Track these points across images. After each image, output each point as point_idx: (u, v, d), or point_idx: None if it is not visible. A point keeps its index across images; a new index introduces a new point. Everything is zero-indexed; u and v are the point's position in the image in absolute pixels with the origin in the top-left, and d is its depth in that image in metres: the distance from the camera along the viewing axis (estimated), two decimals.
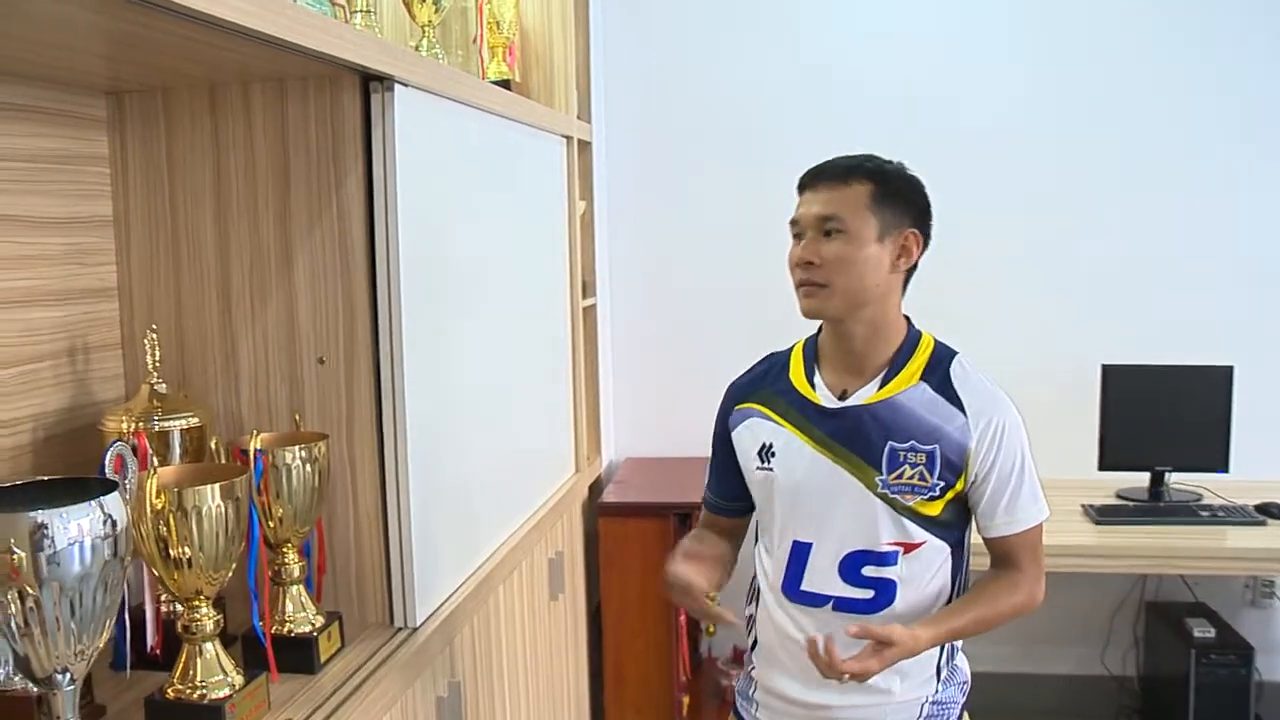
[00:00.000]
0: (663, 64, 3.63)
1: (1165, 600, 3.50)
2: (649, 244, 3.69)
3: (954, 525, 1.67)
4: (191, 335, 1.86)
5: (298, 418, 1.78)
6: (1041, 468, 3.39)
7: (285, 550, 1.70)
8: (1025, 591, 1.66)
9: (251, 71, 1.74)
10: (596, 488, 3.32)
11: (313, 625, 1.70)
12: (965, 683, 1.79)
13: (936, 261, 3.50)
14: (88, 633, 1.20)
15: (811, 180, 1.66)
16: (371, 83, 1.76)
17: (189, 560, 1.41)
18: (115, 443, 1.31)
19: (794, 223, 1.66)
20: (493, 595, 2.20)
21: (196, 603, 1.46)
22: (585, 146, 3.17)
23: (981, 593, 1.67)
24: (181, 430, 1.68)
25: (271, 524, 1.67)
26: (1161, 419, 3.29)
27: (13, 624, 1.15)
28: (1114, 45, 3.46)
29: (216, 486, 1.42)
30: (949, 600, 1.69)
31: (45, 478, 1.27)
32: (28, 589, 1.13)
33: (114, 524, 1.20)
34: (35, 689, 1.25)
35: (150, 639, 1.64)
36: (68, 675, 1.20)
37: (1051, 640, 3.59)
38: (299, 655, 1.66)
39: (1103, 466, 3.32)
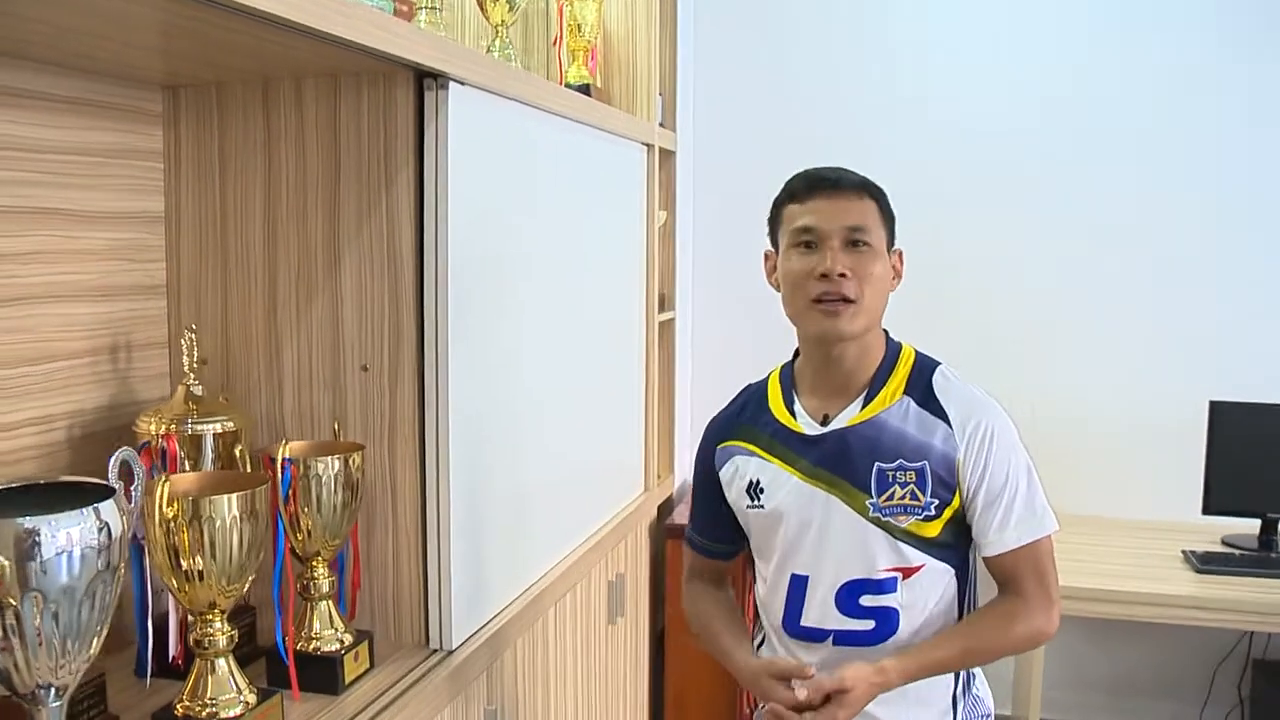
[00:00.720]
0: (754, 73, 3.51)
1: (1276, 659, 3.23)
2: (735, 257, 3.52)
3: (955, 546, 1.56)
4: (237, 337, 1.82)
5: (337, 426, 1.72)
6: (1140, 509, 3.24)
7: (315, 564, 1.63)
8: (1025, 623, 1.51)
9: (304, 67, 1.69)
10: (668, 507, 3.21)
11: (341, 644, 1.63)
12: (988, 715, 1.66)
13: (1037, 291, 3.39)
14: (74, 647, 1.13)
15: (827, 187, 1.53)
16: (426, 80, 1.69)
17: (200, 572, 1.34)
18: (123, 448, 1.24)
19: (806, 230, 1.52)
20: (542, 618, 2.11)
21: (210, 616, 1.40)
22: (668, 155, 3.08)
23: (971, 623, 1.55)
24: (215, 434, 1.62)
25: (300, 536, 1.60)
26: (1275, 461, 3.03)
27: None
28: (1224, 74, 3.23)
29: (233, 497, 1.36)
30: None
31: (44, 481, 1.21)
32: (9, 600, 1.07)
33: (109, 533, 1.14)
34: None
35: (173, 648, 1.59)
36: (52, 690, 1.14)
37: (1144, 691, 3.36)
38: (323, 674, 1.59)
39: (1208, 510, 3.08)
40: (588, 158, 2.41)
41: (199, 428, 1.62)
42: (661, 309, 3.08)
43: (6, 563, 1.07)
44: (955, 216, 3.37)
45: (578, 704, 2.36)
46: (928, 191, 3.29)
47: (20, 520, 1.08)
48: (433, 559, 1.76)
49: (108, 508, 1.15)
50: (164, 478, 1.32)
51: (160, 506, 1.31)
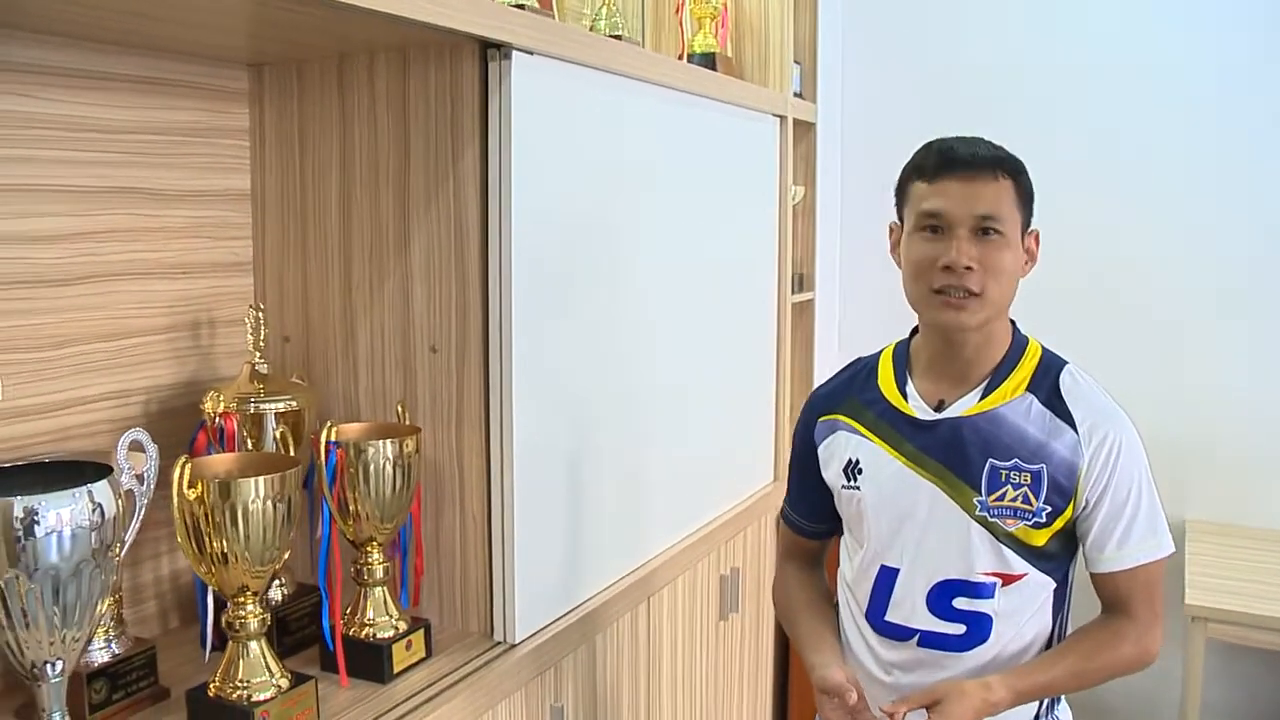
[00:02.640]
0: (910, 37, 3.26)
1: None
2: (885, 234, 3.34)
3: (1060, 558, 1.45)
4: (316, 315, 1.81)
5: (401, 408, 1.68)
6: None
7: (369, 549, 1.60)
8: (1132, 643, 1.41)
9: (376, 42, 1.66)
10: None
11: (395, 630, 1.60)
12: None
13: (1168, 281, 3.02)
14: (67, 625, 1.13)
15: (959, 168, 1.39)
16: (489, 51, 1.62)
17: (224, 555, 1.33)
18: (134, 429, 1.24)
19: (932, 215, 1.39)
20: (631, 611, 2.03)
21: (242, 599, 1.38)
22: (806, 128, 2.90)
23: (1078, 642, 1.43)
24: (277, 414, 1.62)
25: (349, 521, 1.57)
26: None
27: None
28: None
29: (259, 480, 1.33)
30: (1050, 642, 1.47)
31: (47, 459, 1.22)
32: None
33: (103, 513, 1.14)
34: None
35: None
36: (48, 667, 1.15)
37: None
38: (370, 662, 1.56)
39: None
40: (702, 130, 2.28)
41: (262, 407, 1.62)
42: (800, 289, 2.93)
43: None
44: (1102, 204, 3.06)
45: (677, 703, 2.26)
46: (1089, 175, 3.01)
47: (11, 500, 1.08)
48: (497, 548, 1.71)
49: (101, 489, 1.14)
50: (184, 459, 1.31)
51: (181, 489, 1.30)
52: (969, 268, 1.37)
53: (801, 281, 2.96)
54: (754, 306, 2.63)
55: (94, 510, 1.13)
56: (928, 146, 1.45)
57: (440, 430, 1.72)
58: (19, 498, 1.08)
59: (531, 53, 1.65)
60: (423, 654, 1.63)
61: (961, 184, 1.37)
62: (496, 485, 1.70)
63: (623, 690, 2.02)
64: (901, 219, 1.49)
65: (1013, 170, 1.40)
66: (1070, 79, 3.08)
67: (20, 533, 1.08)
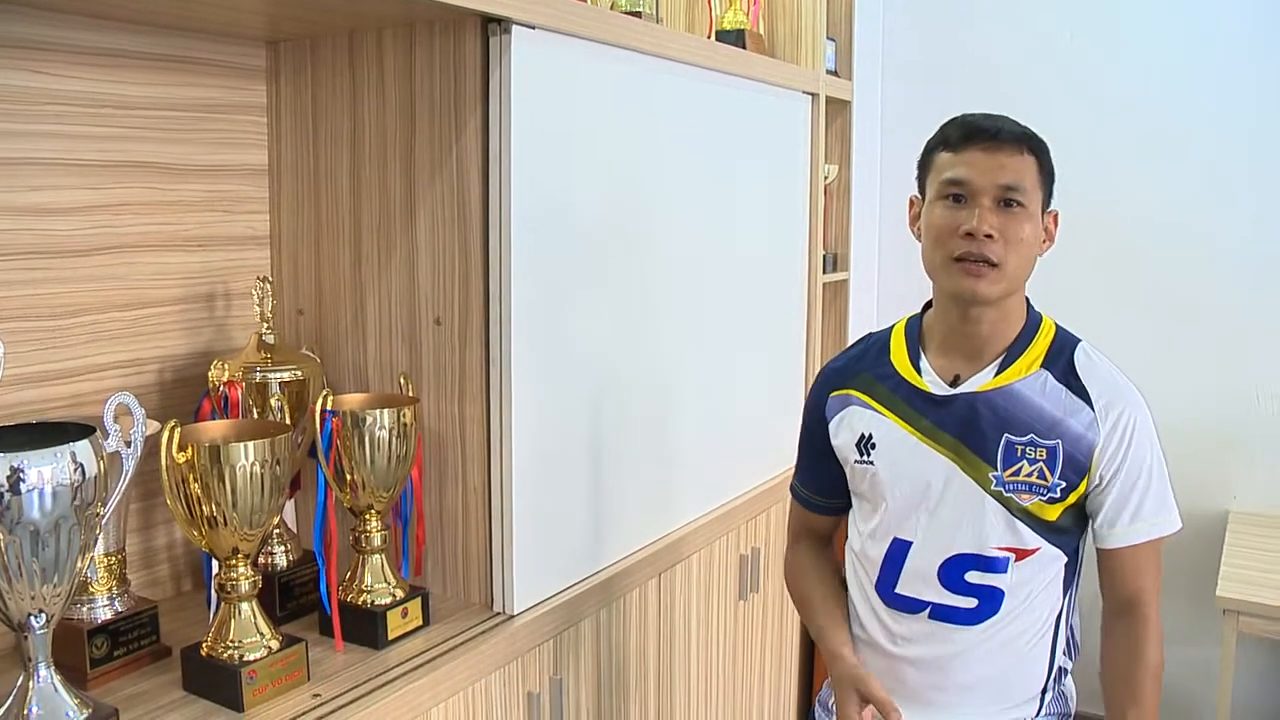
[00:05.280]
0: (955, 13, 3.20)
1: None
2: None
3: (1071, 532, 1.47)
4: (328, 287, 1.84)
5: (403, 380, 1.71)
6: None
7: (368, 517, 1.63)
8: (1155, 643, 1.42)
9: (385, 17, 1.68)
10: None
11: (392, 598, 1.62)
12: (1067, 716, 1.55)
13: (1217, 264, 2.91)
14: (50, 580, 1.18)
15: (984, 138, 1.40)
16: (490, 25, 1.63)
17: (210, 519, 1.36)
18: (120, 393, 1.27)
19: (956, 183, 1.40)
20: (639, 589, 2.03)
21: (233, 562, 1.42)
22: (841, 105, 2.87)
23: (1121, 695, 1.42)
24: (280, 383, 1.66)
25: (348, 489, 1.60)
26: None
27: None
28: None
29: (249, 445, 1.37)
30: (1060, 616, 1.48)
31: (35, 421, 1.26)
32: None
33: (84, 473, 1.18)
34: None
35: None
36: (32, 619, 1.19)
37: None
38: (365, 628, 1.59)
39: None
40: (726, 108, 2.27)
41: (266, 376, 1.65)
42: (833, 269, 2.90)
43: None
44: (1152, 188, 2.98)
45: (691, 682, 2.26)
46: (1143, 157, 2.94)
47: None
48: (496, 519, 1.73)
49: (82, 448, 1.18)
50: (173, 423, 1.34)
51: (171, 452, 1.33)
52: (989, 236, 1.37)
53: (835, 261, 2.93)
54: (782, 286, 2.61)
55: (75, 469, 1.16)
56: (953, 120, 1.46)
57: (444, 402, 1.74)
58: (2, 455, 1.12)
59: (533, 27, 1.66)
60: (419, 622, 1.66)
61: (986, 154, 1.39)
62: (496, 457, 1.71)
63: (630, 666, 2.03)
64: (923, 192, 1.50)
65: (1036, 148, 1.42)
66: (1124, 57, 2.99)
67: (4, 489, 1.12)
